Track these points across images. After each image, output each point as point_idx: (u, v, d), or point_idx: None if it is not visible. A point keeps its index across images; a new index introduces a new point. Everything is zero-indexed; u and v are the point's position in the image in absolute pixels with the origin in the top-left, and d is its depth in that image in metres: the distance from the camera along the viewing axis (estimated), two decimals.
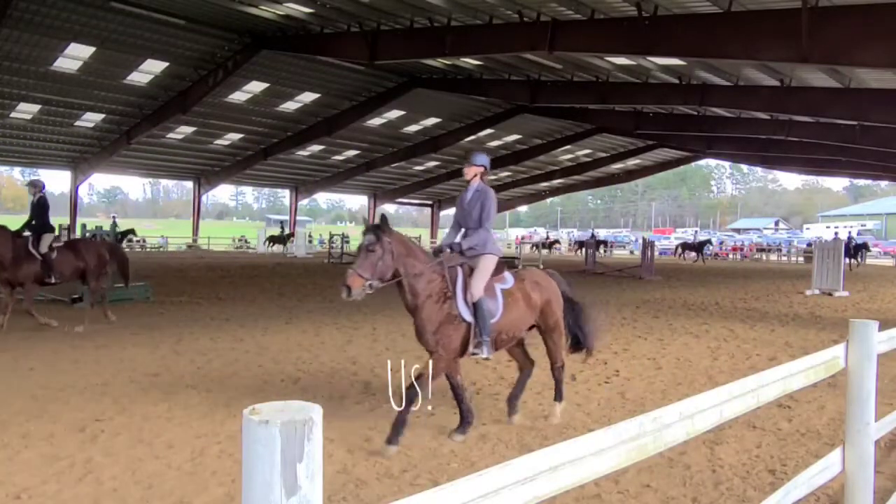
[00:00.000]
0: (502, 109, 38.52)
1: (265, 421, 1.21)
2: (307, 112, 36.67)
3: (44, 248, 9.83)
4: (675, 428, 2.18)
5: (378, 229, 4.84)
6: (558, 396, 5.74)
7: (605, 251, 47.65)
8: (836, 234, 34.56)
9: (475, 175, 5.40)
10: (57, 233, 10.90)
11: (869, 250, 40.47)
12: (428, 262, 5.07)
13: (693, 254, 42.85)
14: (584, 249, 33.64)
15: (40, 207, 10.18)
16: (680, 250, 45.48)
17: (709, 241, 45.65)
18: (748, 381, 2.65)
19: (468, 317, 5.01)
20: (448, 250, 5.23)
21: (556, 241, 57.59)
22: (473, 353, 5.08)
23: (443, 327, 4.98)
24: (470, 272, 5.14)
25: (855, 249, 28.98)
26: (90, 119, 34.71)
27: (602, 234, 68.05)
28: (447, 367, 5.11)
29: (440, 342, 4.99)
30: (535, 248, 49.15)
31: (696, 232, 69.52)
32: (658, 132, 38.01)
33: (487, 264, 5.17)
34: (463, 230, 5.43)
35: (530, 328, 5.66)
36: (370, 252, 4.78)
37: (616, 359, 8.55)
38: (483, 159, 5.49)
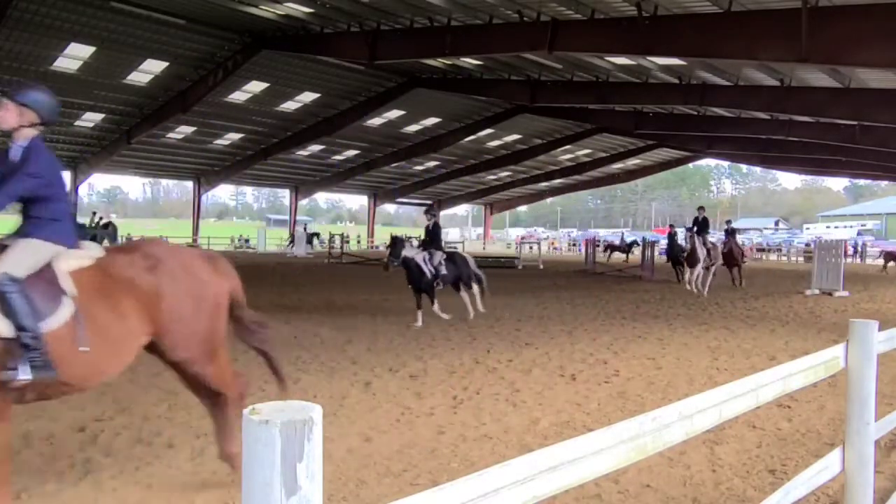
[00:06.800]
0: (502, 109, 38.52)
1: (265, 421, 1.21)
2: (307, 112, 36.67)
3: None
4: (675, 428, 2.18)
5: None
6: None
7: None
8: (622, 234, 31.09)
9: None
10: None
11: (637, 245, 36.65)
12: None
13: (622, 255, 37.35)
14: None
15: None
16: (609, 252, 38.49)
17: (635, 242, 37.85)
18: (748, 381, 2.65)
19: None
20: None
21: (635, 242, 41.79)
22: None
23: None
24: None
25: (628, 246, 28.44)
26: (90, 119, 34.71)
27: (602, 233, 67.60)
28: None
29: None
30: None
31: (622, 233, 54.64)
32: (658, 132, 37.98)
33: None
34: None
35: None
36: None
37: (616, 359, 8.55)
38: None
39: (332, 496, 3.94)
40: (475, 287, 12.21)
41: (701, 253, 17.56)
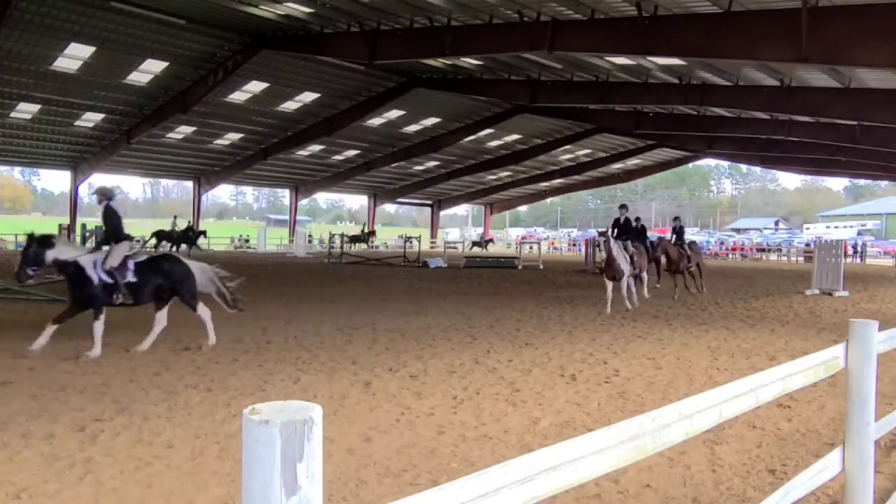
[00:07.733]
0: (502, 109, 38.54)
1: (265, 421, 1.21)
2: (307, 112, 36.69)
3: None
4: (675, 428, 2.18)
5: None
6: None
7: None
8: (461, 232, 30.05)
9: None
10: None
11: (696, 244, 35.06)
12: None
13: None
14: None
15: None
16: None
17: (693, 243, 35.08)
18: (748, 381, 2.65)
19: None
20: None
21: (694, 243, 36.76)
22: None
23: None
24: None
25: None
26: (90, 119, 34.73)
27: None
28: None
29: None
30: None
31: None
32: (658, 132, 38.02)
33: None
34: None
35: None
36: None
37: (616, 359, 8.54)
38: None
39: (332, 496, 3.94)
40: (201, 309, 8.84)
41: (622, 263, 13.54)
